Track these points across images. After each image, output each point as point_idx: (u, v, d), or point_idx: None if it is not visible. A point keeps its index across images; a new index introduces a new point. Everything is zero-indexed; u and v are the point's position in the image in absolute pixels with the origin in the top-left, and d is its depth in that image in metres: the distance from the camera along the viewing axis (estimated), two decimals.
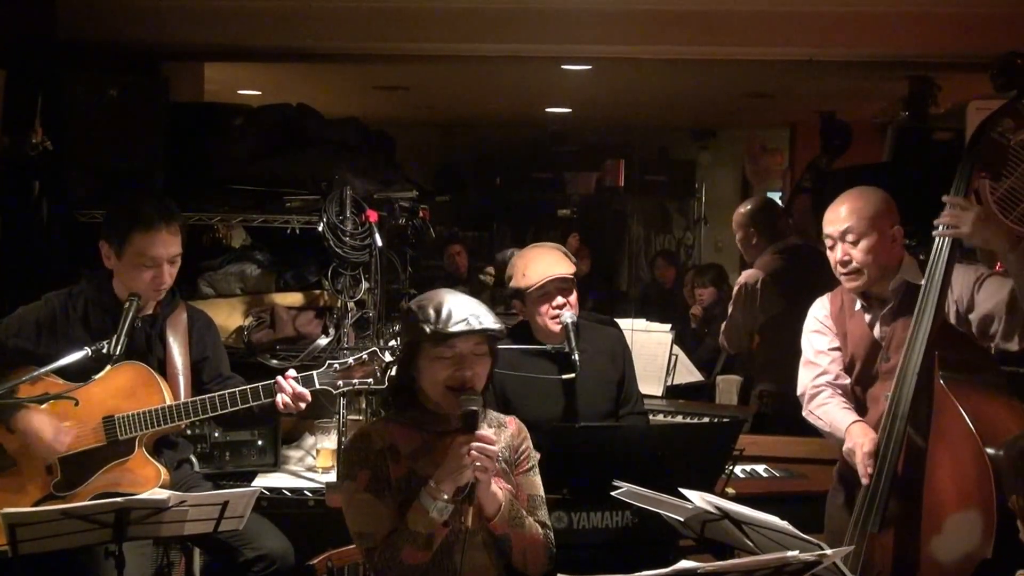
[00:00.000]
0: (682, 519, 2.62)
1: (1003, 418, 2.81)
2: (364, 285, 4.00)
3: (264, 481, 3.82)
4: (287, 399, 3.21)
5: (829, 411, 3.16)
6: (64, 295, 3.35)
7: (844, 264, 3.07)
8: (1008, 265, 2.88)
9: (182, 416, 3.23)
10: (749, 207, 5.21)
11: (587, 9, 4.53)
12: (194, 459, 3.68)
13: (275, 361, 3.94)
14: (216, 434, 3.87)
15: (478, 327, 2.49)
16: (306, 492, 3.75)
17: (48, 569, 2.94)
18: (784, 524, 2.38)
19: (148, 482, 3.18)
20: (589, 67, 5.66)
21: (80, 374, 3.14)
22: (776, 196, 7.72)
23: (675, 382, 4.97)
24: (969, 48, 4.44)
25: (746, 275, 5.01)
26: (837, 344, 3.24)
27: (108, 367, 3.19)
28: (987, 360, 2.97)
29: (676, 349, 4.98)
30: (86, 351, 3.05)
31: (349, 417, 3.79)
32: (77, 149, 4.11)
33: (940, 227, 2.91)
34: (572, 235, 8.19)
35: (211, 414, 3.25)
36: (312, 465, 4.00)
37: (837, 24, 4.49)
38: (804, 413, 3.27)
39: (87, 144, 4.10)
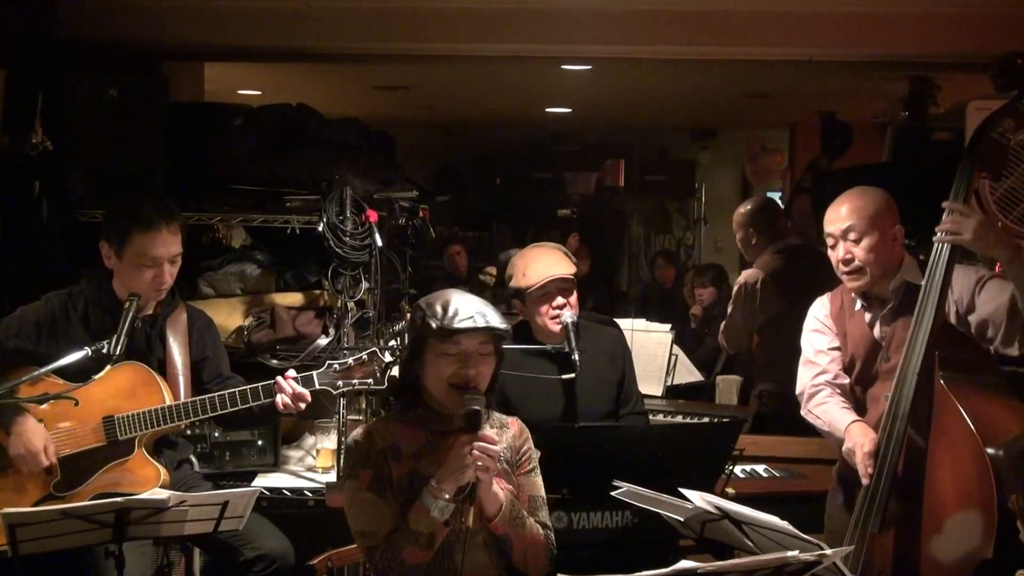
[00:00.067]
0: (682, 519, 2.62)
1: (1003, 418, 2.81)
2: (364, 285, 4.00)
3: (264, 481, 3.82)
4: (287, 399, 3.21)
5: (828, 410, 3.16)
6: (64, 295, 3.35)
7: (846, 263, 3.07)
8: (1009, 274, 2.88)
9: (182, 416, 3.23)
10: (749, 207, 5.21)
11: (587, 9, 4.53)
12: (194, 459, 3.68)
13: (275, 361, 3.93)
14: (216, 434, 3.87)
15: (484, 325, 2.49)
16: (306, 492, 3.75)
17: (48, 569, 2.94)
18: (784, 524, 2.38)
19: (148, 482, 3.18)
20: (589, 67, 5.66)
21: (80, 374, 3.14)
22: (776, 196, 7.72)
23: (675, 382, 4.97)
24: (969, 48, 4.44)
25: (746, 275, 5.01)
26: (837, 344, 3.24)
27: (108, 367, 3.19)
28: (987, 360, 2.97)
29: (676, 349, 4.98)
30: (86, 351, 3.04)
31: (349, 417, 3.79)
32: (77, 149, 4.11)
33: (941, 233, 2.90)
34: (572, 235, 8.18)
35: (211, 414, 3.25)
36: (312, 465, 4.00)
37: (837, 24, 4.49)
38: (803, 412, 3.27)
39: (87, 144, 4.10)
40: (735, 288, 5.06)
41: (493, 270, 7.67)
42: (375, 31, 4.65)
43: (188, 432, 3.67)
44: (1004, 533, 2.54)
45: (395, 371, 3.59)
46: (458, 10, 4.58)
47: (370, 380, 3.27)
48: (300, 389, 3.22)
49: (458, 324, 2.47)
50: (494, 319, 2.52)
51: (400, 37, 4.68)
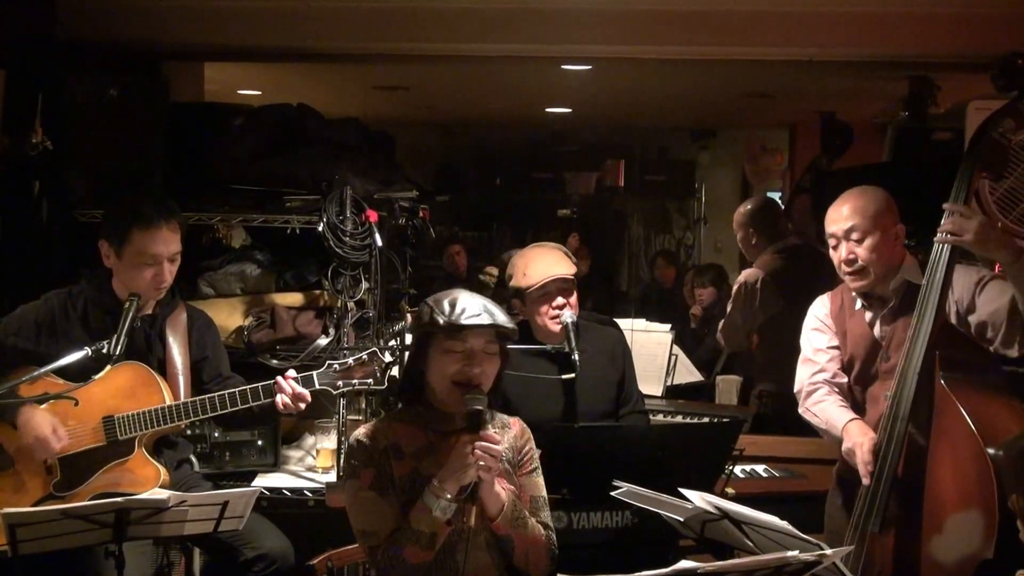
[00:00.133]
0: (682, 519, 2.62)
1: (1003, 418, 2.81)
2: (364, 285, 4.00)
3: (264, 481, 3.81)
4: (287, 399, 3.21)
5: (825, 408, 3.16)
6: (64, 295, 3.35)
7: (849, 263, 3.07)
8: (1009, 275, 2.88)
9: (182, 416, 3.23)
10: (749, 207, 5.21)
11: (587, 9, 4.53)
12: (194, 459, 3.68)
13: (275, 361, 3.93)
14: (216, 434, 3.87)
15: (491, 322, 2.50)
16: (306, 492, 3.75)
17: (48, 569, 2.94)
18: (784, 524, 2.38)
19: (148, 482, 3.18)
20: (589, 67, 5.66)
21: (80, 374, 3.14)
22: (776, 196, 7.72)
23: (675, 382, 4.97)
24: (969, 48, 4.44)
25: (746, 274, 5.01)
26: (836, 343, 3.24)
27: (108, 367, 3.19)
28: (987, 360, 2.97)
29: (676, 349, 4.98)
30: (86, 351, 3.04)
31: (349, 417, 3.79)
32: (77, 149, 4.11)
33: (942, 234, 2.90)
34: (572, 235, 8.18)
35: (211, 414, 3.25)
36: (312, 465, 4.00)
37: (837, 24, 4.48)
38: (800, 410, 3.28)
39: (87, 144, 4.10)
40: (735, 287, 5.06)
41: (494, 270, 7.66)
42: (375, 31, 4.65)
43: (188, 432, 3.67)
44: (1004, 533, 2.54)
45: (395, 371, 3.61)
46: (458, 10, 4.58)
47: (370, 380, 3.28)
48: (300, 389, 3.22)
49: (466, 320, 2.48)
50: (501, 317, 2.54)
51: (400, 37, 4.68)
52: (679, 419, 4.47)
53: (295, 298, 4.19)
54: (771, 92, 6.92)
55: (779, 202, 6.49)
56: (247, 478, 3.85)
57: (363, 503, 2.51)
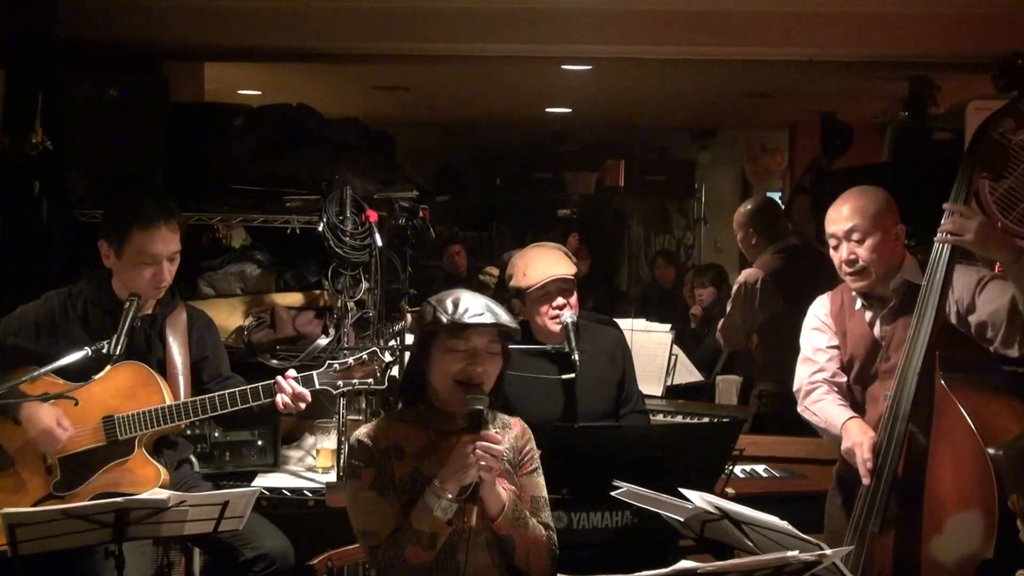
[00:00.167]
0: (682, 519, 2.62)
1: (1004, 418, 2.81)
2: (364, 285, 4.00)
3: (264, 481, 3.81)
4: (287, 399, 3.21)
5: (824, 407, 3.16)
6: (64, 295, 3.35)
7: (850, 263, 3.07)
8: (1009, 275, 2.88)
9: (182, 416, 3.23)
10: (749, 207, 5.21)
11: (587, 9, 4.53)
12: (194, 459, 3.68)
13: (275, 361, 3.93)
14: (216, 434, 3.87)
15: (494, 321, 2.51)
16: (306, 492, 3.75)
17: (48, 569, 2.94)
18: (784, 524, 2.38)
19: (148, 482, 3.18)
20: (589, 67, 5.66)
21: (80, 374, 3.14)
22: (776, 196, 7.72)
23: (675, 382, 4.97)
24: (969, 48, 4.44)
25: (746, 274, 5.02)
26: (836, 342, 3.24)
27: (108, 367, 3.19)
28: (987, 360, 2.97)
29: (676, 349, 4.98)
30: (86, 351, 3.05)
31: (349, 417, 3.79)
32: (77, 149, 4.11)
33: (943, 234, 2.90)
34: (572, 235, 8.18)
35: (211, 414, 3.25)
36: (312, 465, 4.00)
37: (837, 24, 4.48)
38: (799, 409, 3.28)
39: (87, 144, 4.10)
40: (735, 287, 5.06)
41: (494, 270, 7.67)
42: (375, 31, 4.65)
43: (188, 432, 3.67)
44: (1004, 533, 2.54)
45: (395, 371, 3.61)
46: (458, 10, 4.58)
47: (370, 380, 3.28)
48: (300, 389, 3.22)
49: (469, 319, 2.48)
50: (504, 317, 2.55)
51: (400, 37, 4.68)
52: (679, 419, 4.46)
53: (295, 298, 4.19)
54: (771, 92, 6.92)
55: (779, 202, 6.49)
56: (247, 478, 3.85)
57: (364, 503, 2.51)
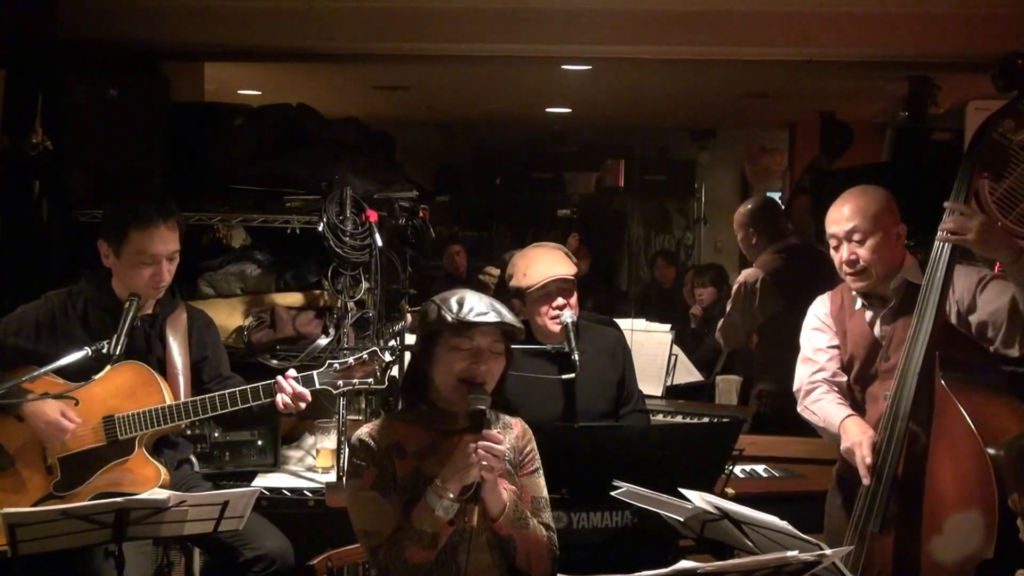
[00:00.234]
0: (682, 519, 2.62)
1: (1003, 418, 2.81)
2: (364, 285, 4.00)
3: (264, 481, 3.81)
4: (287, 399, 3.21)
5: (823, 406, 3.16)
6: (64, 294, 3.35)
7: (851, 264, 3.07)
8: (1010, 275, 2.88)
9: (182, 416, 3.23)
10: (750, 207, 5.21)
11: (587, 9, 4.53)
12: (194, 459, 3.68)
13: (275, 361, 3.93)
14: (216, 434, 3.86)
15: (498, 320, 2.52)
16: (306, 492, 3.75)
17: (48, 569, 2.94)
18: (784, 524, 2.38)
19: (148, 482, 3.18)
20: (589, 67, 5.66)
21: (80, 374, 3.14)
22: (776, 196, 7.72)
23: (675, 382, 4.97)
24: (969, 48, 4.44)
25: (746, 274, 5.02)
26: (836, 342, 3.24)
27: (108, 367, 3.19)
28: (987, 360, 2.97)
29: (676, 349, 4.98)
30: (86, 351, 3.05)
31: (349, 417, 3.79)
32: (77, 149, 4.10)
33: (943, 233, 2.90)
34: (572, 235, 8.18)
35: (211, 414, 3.25)
36: (312, 465, 4.00)
37: (837, 24, 4.48)
38: (799, 409, 3.28)
39: (87, 144, 4.09)
40: (735, 287, 5.06)
41: (494, 270, 7.67)
42: (375, 31, 4.65)
43: (188, 432, 3.67)
44: (1004, 533, 2.54)
45: (395, 371, 3.61)
46: (458, 10, 4.58)
47: (370, 380, 3.28)
48: (300, 389, 3.22)
49: (474, 318, 2.49)
50: (508, 316, 2.56)
51: (400, 37, 4.68)
52: (679, 419, 4.47)
53: (295, 298, 4.19)
54: (771, 92, 6.92)
55: (779, 202, 6.49)
56: (247, 478, 3.85)
57: (365, 503, 2.51)
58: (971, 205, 2.96)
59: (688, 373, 5.24)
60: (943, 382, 2.85)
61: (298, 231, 4.06)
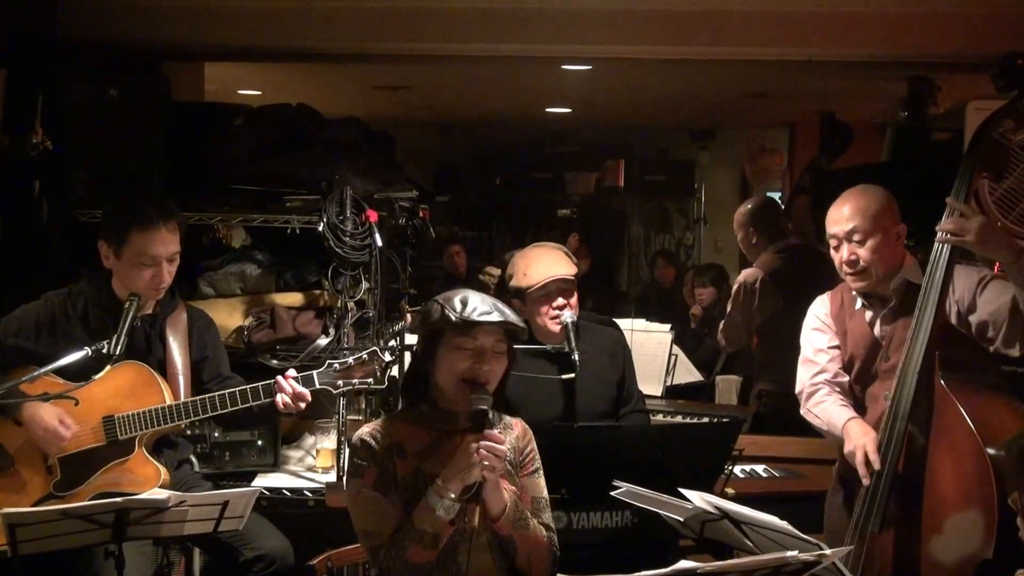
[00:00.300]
0: (682, 519, 2.62)
1: (1003, 418, 2.82)
2: (364, 285, 4.00)
3: (264, 481, 3.82)
4: (287, 399, 3.21)
5: (826, 408, 3.16)
6: (64, 295, 3.35)
7: (851, 264, 3.07)
8: (1010, 276, 2.88)
9: (182, 416, 3.23)
10: (750, 206, 5.21)
11: (587, 9, 4.53)
12: (194, 459, 3.68)
13: (275, 361, 3.93)
14: (216, 434, 3.87)
15: (502, 319, 2.52)
16: (306, 492, 3.75)
17: (48, 569, 2.94)
18: (783, 524, 2.38)
19: (148, 482, 3.18)
20: (589, 67, 5.66)
21: (80, 374, 3.14)
22: (776, 196, 7.72)
23: (675, 382, 4.97)
24: (969, 48, 4.44)
25: (745, 274, 5.01)
26: (836, 343, 3.24)
27: (108, 367, 3.19)
28: (987, 360, 2.98)
29: (676, 349, 4.98)
30: (86, 351, 3.05)
31: (349, 417, 3.79)
32: (77, 149, 4.11)
33: (943, 234, 2.90)
34: (572, 235, 8.19)
35: (211, 414, 3.25)
36: (312, 465, 4.00)
37: (837, 24, 4.48)
38: (802, 411, 3.28)
39: (87, 144, 4.10)
40: (735, 287, 5.06)
41: (493, 270, 7.66)
42: (375, 31, 4.65)
43: (188, 432, 3.67)
44: (1004, 533, 2.54)
45: (395, 371, 3.61)
46: (458, 10, 4.58)
47: (370, 380, 3.28)
48: (300, 389, 3.22)
49: (478, 317, 2.49)
50: (511, 316, 2.56)
51: (400, 37, 4.68)
52: (679, 419, 4.46)
53: (295, 298, 4.19)
54: (771, 92, 6.92)
55: (779, 202, 6.49)
56: (247, 478, 3.85)
57: (366, 503, 2.51)
58: (971, 205, 2.96)
59: (688, 373, 5.24)
60: (943, 382, 2.85)
61: (298, 231, 4.06)
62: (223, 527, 2.85)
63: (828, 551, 2.23)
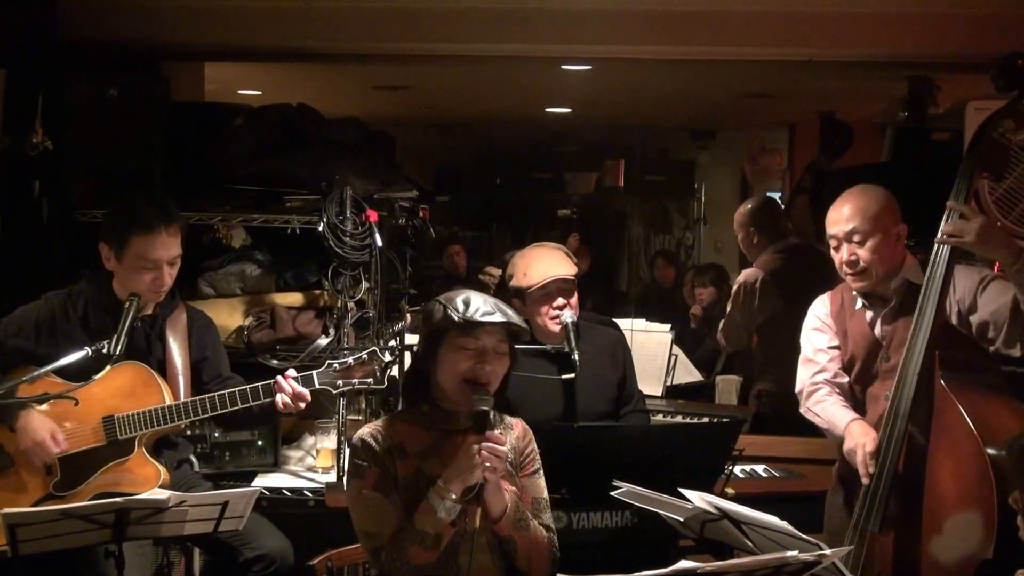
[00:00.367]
0: (682, 519, 2.62)
1: (1003, 418, 2.82)
2: (364, 285, 4.00)
3: (264, 481, 3.82)
4: (287, 399, 3.21)
5: (827, 408, 3.16)
6: (64, 295, 3.35)
7: (851, 265, 3.07)
8: (1010, 276, 2.89)
9: (182, 416, 3.23)
10: (750, 206, 5.21)
11: (587, 9, 4.53)
12: (194, 459, 3.68)
13: (275, 361, 3.93)
14: (216, 434, 3.87)
15: (504, 320, 2.52)
16: (306, 492, 3.75)
17: (48, 569, 2.94)
18: (783, 524, 2.38)
19: (148, 482, 3.18)
20: (589, 67, 5.65)
21: (80, 374, 3.14)
22: (776, 196, 7.71)
23: (675, 382, 4.97)
24: (969, 48, 4.44)
25: (746, 274, 5.01)
26: (836, 343, 3.24)
27: (108, 367, 3.19)
28: (987, 360, 2.98)
29: (676, 349, 4.98)
30: (86, 351, 3.05)
31: (349, 417, 3.79)
32: (77, 149, 4.10)
33: (943, 235, 2.90)
34: (572, 235, 8.19)
35: (211, 414, 3.25)
36: (312, 465, 4.00)
37: (837, 24, 4.48)
38: (801, 410, 3.28)
39: (87, 144, 4.09)
40: (735, 287, 5.06)
41: (493, 270, 7.66)
42: (375, 31, 4.64)
43: (188, 432, 3.67)
44: (1004, 533, 2.54)
45: (395, 371, 3.61)
46: (458, 10, 4.58)
47: (370, 380, 3.28)
48: (300, 389, 3.22)
49: (480, 318, 2.49)
50: (514, 316, 2.57)
51: (400, 37, 4.68)
52: (679, 419, 4.47)
53: (295, 298, 4.19)
54: (771, 92, 6.91)
55: (779, 202, 6.49)
56: (247, 478, 3.85)
57: (367, 503, 2.51)
58: (971, 205, 2.96)
59: (688, 373, 5.24)
60: (943, 382, 2.85)
61: (298, 231, 4.06)
62: (223, 527, 2.85)
63: (828, 551, 2.23)
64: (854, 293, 3.18)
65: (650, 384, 4.63)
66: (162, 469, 3.24)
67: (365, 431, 2.59)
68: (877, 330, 3.14)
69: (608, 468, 2.72)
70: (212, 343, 3.49)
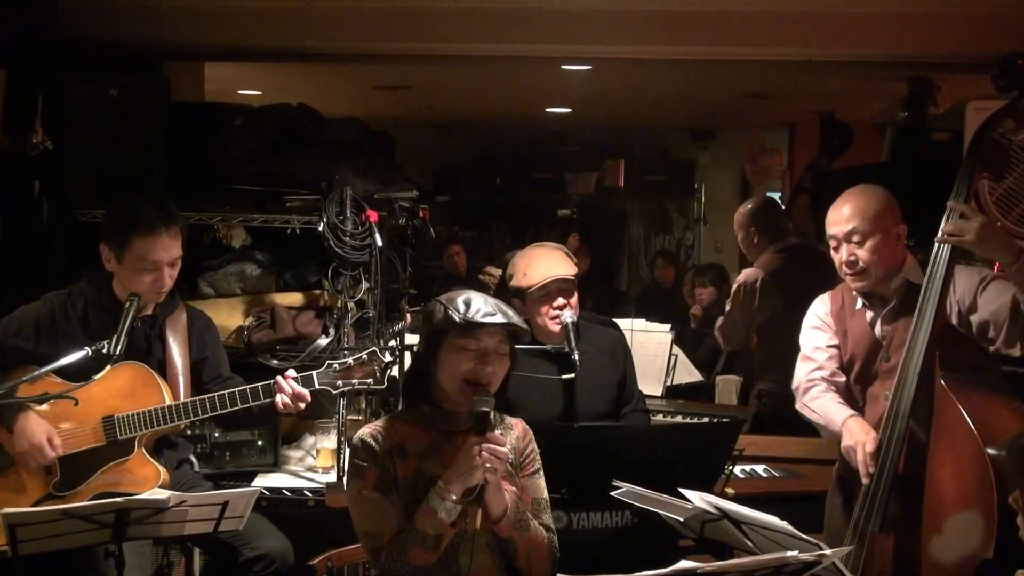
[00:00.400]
0: (682, 519, 2.62)
1: (1003, 418, 2.82)
2: (364, 285, 4.00)
3: (264, 481, 3.81)
4: (286, 399, 3.21)
5: (823, 404, 3.16)
6: (64, 295, 3.35)
7: (851, 265, 3.07)
8: (1010, 276, 2.89)
9: (182, 416, 3.23)
10: (750, 206, 5.22)
11: (587, 9, 4.53)
12: (194, 459, 3.68)
13: (275, 361, 3.93)
14: (216, 434, 3.87)
15: (505, 320, 2.52)
16: (306, 492, 3.75)
17: (48, 569, 2.94)
18: (783, 524, 2.38)
19: (148, 482, 3.18)
20: (589, 67, 5.65)
21: (80, 374, 3.14)
22: (776, 196, 7.72)
23: (675, 382, 4.97)
24: (969, 48, 4.44)
25: (746, 274, 5.02)
26: (836, 342, 3.24)
27: (108, 367, 3.19)
28: (987, 360, 2.98)
29: (676, 349, 4.98)
30: (86, 351, 3.04)
31: (349, 417, 3.79)
32: (77, 149, 4.10)
33: (943, 235, 2.90)
34: (572, 235, 8.19)
35: (211, 414, 3.25)
36: (312, 465, 4.00)
37: (837, 24, 4.48)
38: (798, 406, 3.28)
39: (87, 144, 4.09)
40: (735, 287, 5.06)
41: (493, 270, 7.66)
42: (375, 31, 4.64)
43: (188, 432, 3.67)
44: (1004, 533, 2.54)
45: (395, 371, 3.61)
46: (458, 10, 4.58)
47: (370, 380, 3.28)
48: (300, 389, 3.23)
49: (481, 319, 2.50)
50: (514, 317, 2.57)
51: (400, 37, 4.68)
52: (679, 419, 4.47)
53: (295, 298, 4.19)
54: (771, 92, 6.91)
55: (779, 202, 6.49)
56: (247, 478, 3.85)
57: (366, 504, 2.51)
58: (971, 205, 2.96)
59: (688, 373, 5.24)
60: (943, 382, 2.85)
61: (298, 231, 4.06)
62: (223, 527, 2.85)
63: (828, 551, 2.23)
64: (854, 293, 3.18)
65: (650, 384, 4.63)
66: (162, 469, 3.24)
67: (365, 431, 2.59)
68: (877, 330, 3.14)
69: (608, 468, 2.72)
70: (212, 343, 3.49)
